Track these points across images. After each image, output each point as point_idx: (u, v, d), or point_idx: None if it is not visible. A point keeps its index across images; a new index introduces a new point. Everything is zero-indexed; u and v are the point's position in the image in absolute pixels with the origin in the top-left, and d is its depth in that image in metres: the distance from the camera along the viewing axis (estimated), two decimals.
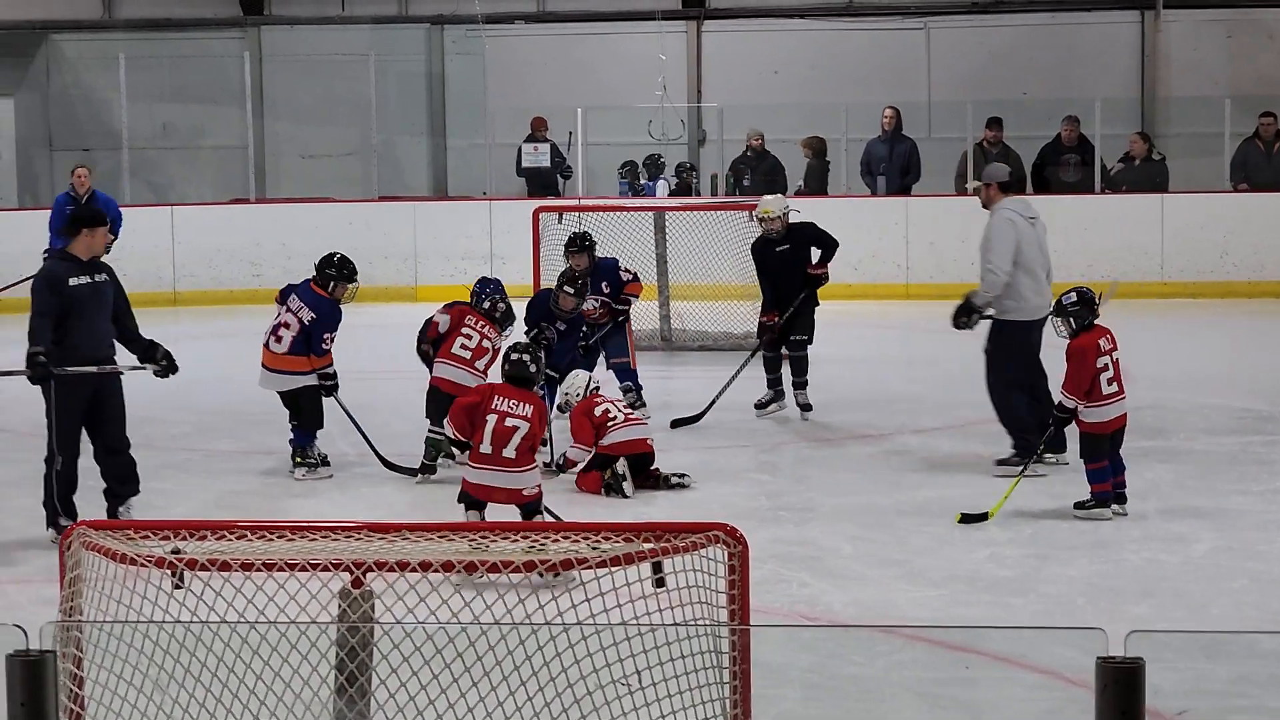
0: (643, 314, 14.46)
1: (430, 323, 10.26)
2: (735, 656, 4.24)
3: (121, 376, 8.60)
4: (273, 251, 18.73)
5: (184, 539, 4.31)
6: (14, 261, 16.71)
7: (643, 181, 20.19)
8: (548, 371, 10.61)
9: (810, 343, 11.69)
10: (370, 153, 20.90)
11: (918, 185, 19.43)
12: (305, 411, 10.09)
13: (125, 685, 4.19)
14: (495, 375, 9.45)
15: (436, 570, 4.07)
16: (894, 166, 19.28)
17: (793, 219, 11.77)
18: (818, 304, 11.75)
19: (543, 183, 20.46)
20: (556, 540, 4.36)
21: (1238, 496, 9.36)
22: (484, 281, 10.77)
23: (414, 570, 4.08)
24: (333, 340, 10.07)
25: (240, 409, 11.86)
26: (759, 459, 10.87)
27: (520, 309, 11.17)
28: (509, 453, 8.04)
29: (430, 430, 9.95)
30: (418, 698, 4.11)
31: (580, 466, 9.74)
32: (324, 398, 10.09)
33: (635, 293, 12.09)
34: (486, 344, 10.19)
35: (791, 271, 11.63)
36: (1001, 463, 9.82)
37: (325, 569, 4.11)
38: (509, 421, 8.09)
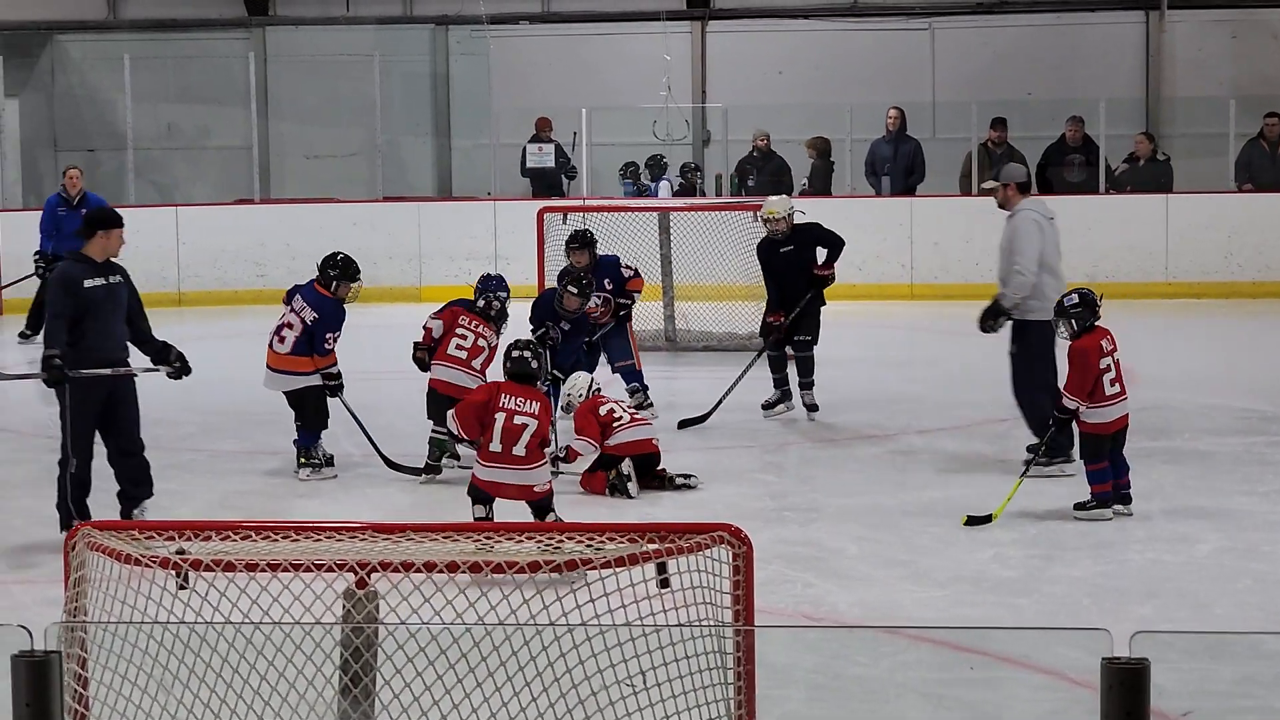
0: (647, 314, 14.46)
1: (424, 330, 10.28)
2: (740, 657, 4.24)
3: (135, 379, 8.57)
4: (277, 252, 18.74)
5: (189, 539, 4.31)
6: (19, 261, 16.76)
7: (645, 182, 20.18)
8: (554, 373, 10.63)
9: (815, 343, 11.68)
10: (375, 153, 20.90)
11: (922, 185, 19.43)
12: (309, 412, 10.10)
13: (130, 686, 4.19)
14: (494, 373, 9.46)
15: (441, 571, 4.07)
16: (898, 167, 19.27)
17: (797, 220, 11.76)
18: (824, 304, 11.75)
19: (547, 183, 20.46)
20: (561, 541, 4.36)
21: (1242, 497, 9.36)
22: (486, 279, 10.78)
23: (418, 571, 4.08)
24: (336, 340, 10.08)
25: (245, 409, 11.86)
26: (764, 459, 10.87)
27: (524, 309, 11.19)
28: (519, 450, 8.08)
29: (433, 431, 9.96)
30: (422, 698, 4.11)
31: (585, 463, 9.73)
32: (329, 398, 10.10)
33: (637, 289, 12.12)
34: (482, 343, 10.19)
35: (796, 272, 11.63)
36: (1030, 463, 9.71)
37: (330, 569, 4.11)
38: (517, 419, 8.12)
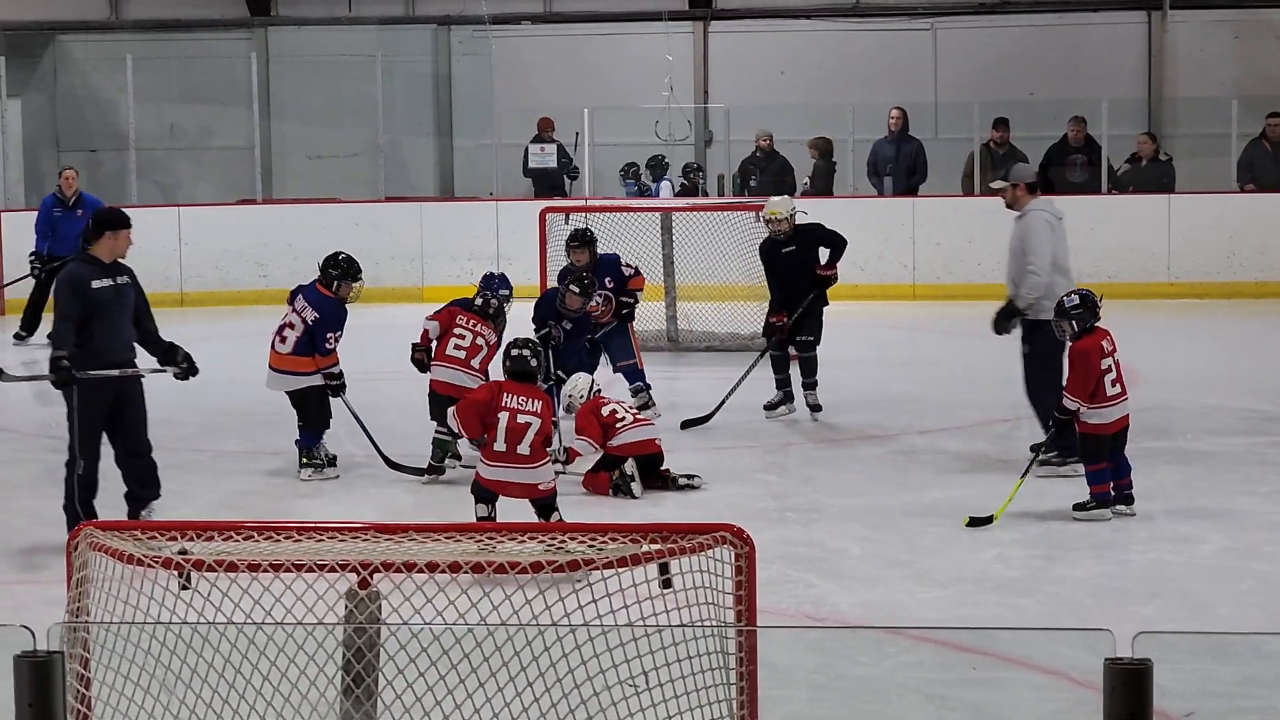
0: (649, 315, 14.46)
1: (422, 331, 10.29)
2: (742, 657, 4.24)
3: (142, 379, 8.53)
4: (280, 252, 18.74)
5: (191, 540, 4.32)
6: (20, 261, 16.74)
7: (647, 182, 20.18)
8: (557, 373, 10.63)
9: (818, 343, 11.68)
10: (377, 153, 20.90)
11: (924, 186, 19.42)
12: (311, 412, 10.10)
13: (132, 686, 4.19)
14: (495, 371, 9.46)
15: (443, 571, 4.07)
16: (900, 167, 19.27)
17: (799, 220, 11.76)
18: (827, 304, 11.74)
19: (549, 183, 20.46)
20: (563, 541, 4.35)
21: (1244, 497, 9.35)
22: (489, 278, 10.79)
23: (421, 571, 4.08)
24: (338, 340, 10.07)
25: (247, 409, 11.86)
26: (766, 459, 10.87)
27: (527, 309, 11.19)
28: (523, 449, 8.10)
29: (437, 432, 9.95)
30: (424, 699, 4.11)
31: (587, 464, 9.73)
32: (331, 398, 10.10)
33: (639, 287, 12.14)
34: (481, 342, 10.19)
35: (799, 273, 11.62)
36: (1044, 463, 9.71)
37: (332, 570, 4.11)
38: (520, 418, 8.14)
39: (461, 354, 10.14)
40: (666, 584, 4.22)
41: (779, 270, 11.71)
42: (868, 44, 21.87)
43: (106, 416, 8.36)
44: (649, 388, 11.95)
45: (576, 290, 11.01)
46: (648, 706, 4.22)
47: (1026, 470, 9.13)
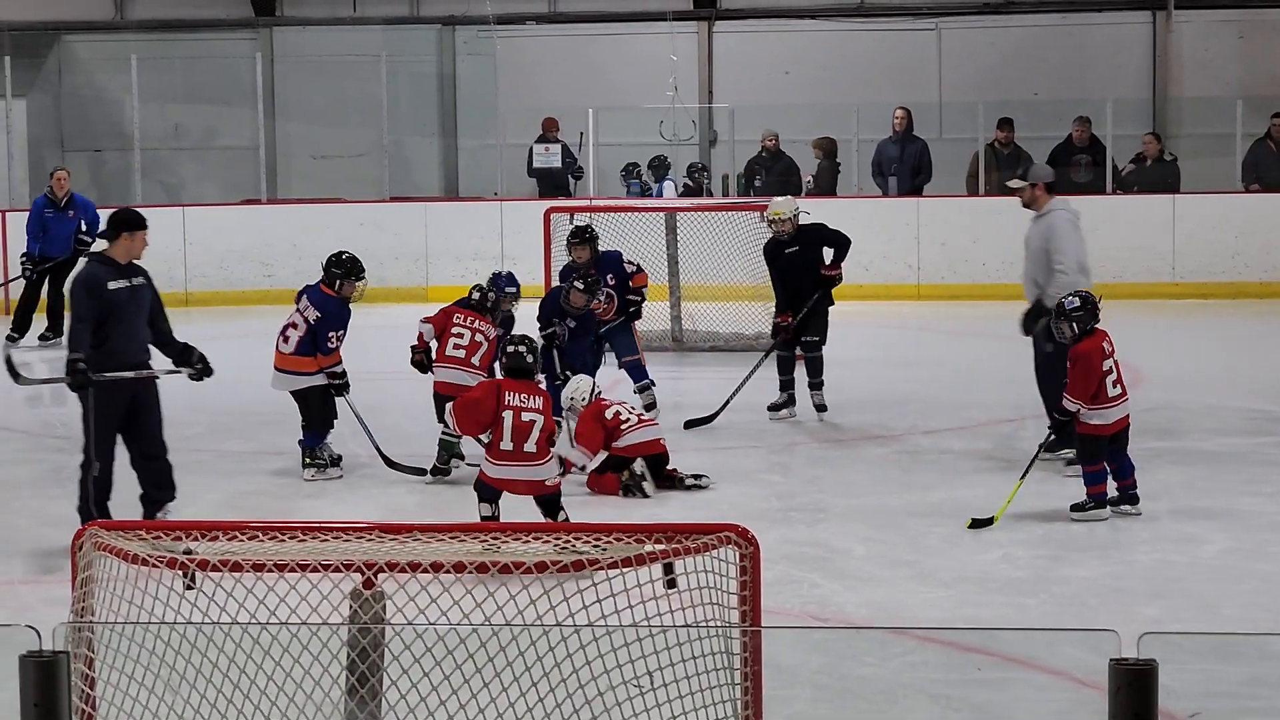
0: (654, 315, 14.47)
1: (417, 336, 10.29)
2: (746, 658, 4.23)
3: (157, 381, 8.49)
4: (284, 252, 18.74)
5: (195, 539, 4.32)
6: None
7: (649, 183, 20.17)
8: (565, 373, 10.63)
9: (824, 343, 11.68)
10: (381, 153, 20.89)
11: (929, 186, 19.42)
12: (313, 412, 10.10)
13: (137, 686, 4.19)
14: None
15: (448, 571, 4.07)
16: (905, 167, 19.26)
17: (802, 220, 11.75)
18: (832, 304, 11.74)
19: (554, 183, 20.46)
20: (568, 541, 4.35)
21: (1249, 497, 9.35)
22: (496, 277, 10.80)
23: (425, 571, 4.08)
24: (340, 339, 10.06)
25: (251, 410, 11.86)
26: (770, 460, 10.87)
27: (531, 309, 11.19)
28: (530, 447, 8.10)
29: (443, 433, 9.95)
30: (429, 699, 4.11)
31: (587, 468, 9.71)
32: (335, 397, 10.09)
33: (643, 284, 12.14)
34: (480, 338, 10.18)
35: (802, 273, 11.62)
36: (1070, 463, 9.70)
37: (336, 570, 4.11)
38: (525, 416, 8.13)
39: (461, 353, 10.13)
40: (671, 584, 4.22)
41: (783, 271, 11.70)
42: (872, 44, 21.86)
43: (122, 418, 8.30)
44: (653, 384, 11.95)
45: (581, 287, 11.01)
46: (652, 707, 4.22)
47: (1026, 471, 9.10)
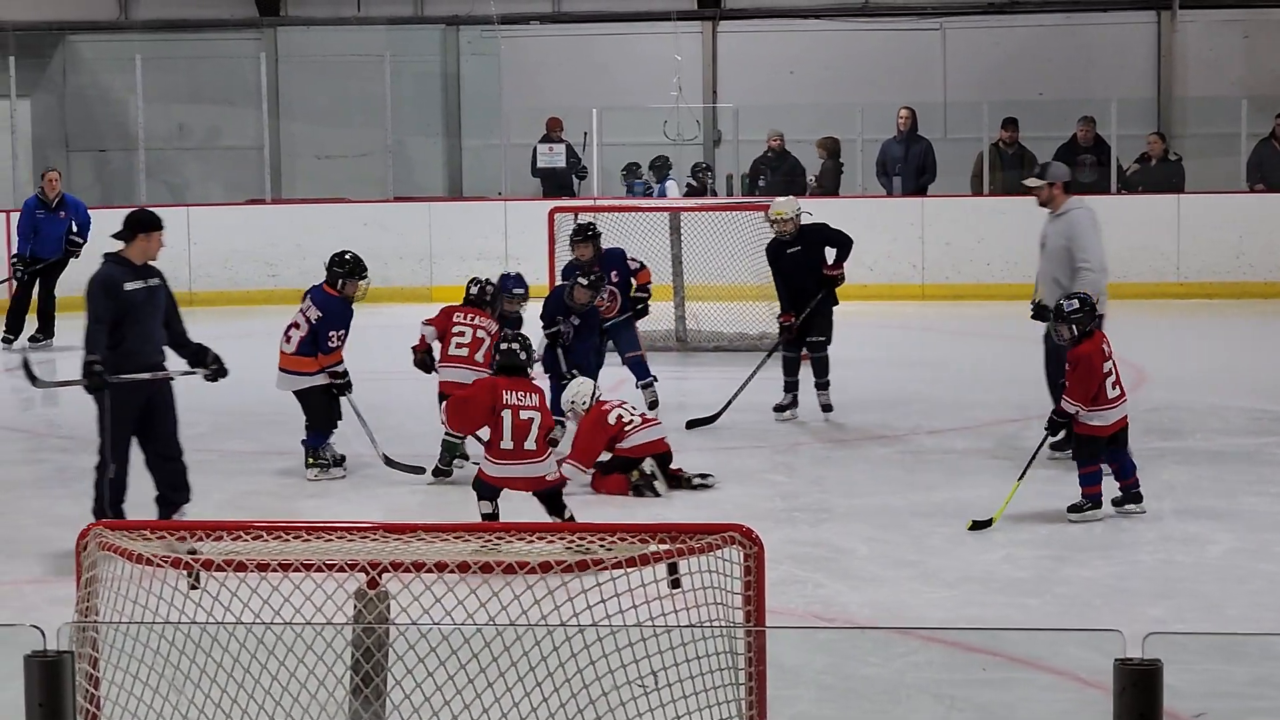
0: (658, 315, 14.46)
1: (419, 338, 10.30)
2: (750, 657, 4.23)
3: (172, 382, 8.44)
4: (288, 252, 18.75)
5: (199, 539, 4.32)
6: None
7: (651, 182, 20.17)
8: (571, 372, 10.63)
9: (829, 343, 11.68)
10: (385, 153, 20.90)
11: (933, 186, 19.41)
12: (315, 412, 10.10)
13: (141, 685, 4.19)
14: None
15: (452, 571, 4.07)
16: (909, 167, 19.26)
17: (804, 220, 11.75)
18: (836, 303, 11.74)
19: (558, 183, 20.46)
20: (572, 541, 4.35)
21: (1253, 498, 9.34)
22: (505, 277, 10.81)
23: (429, 571, 4.08)
24: (342, 339, 10.04)
25: (255, 410, 11.86)
26: (774, 460, 10.87)
27: (535, 309, 11.19)
28: (529, 445, 8.11)
29: (445, 434, 9.94)
30: (433, 698, 4.11)
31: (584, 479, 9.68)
32: (338, 396, 10.09)
33: (647, 280, 12.16)
34: (481, 334, 10.17)
35: (804, 273, 11.62)
36: (1054, 446, 9.69)
37: (341, 570, 4.11)
38: (523, 414, 8.15)
39: (464, 351, 10.14)
40: (675, 584, 4.22)
41: (785, 271, 11.71)
42: (876, 44, 21.85)
43: (137, 420, 8.26)
44: (655, 380, 11.96)
45: (585, 284, 11.01)
46: (656, 707, 4.22)
47: (1024, 471, 9.07)
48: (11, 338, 15.87)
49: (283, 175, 22.05)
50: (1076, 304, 8.92)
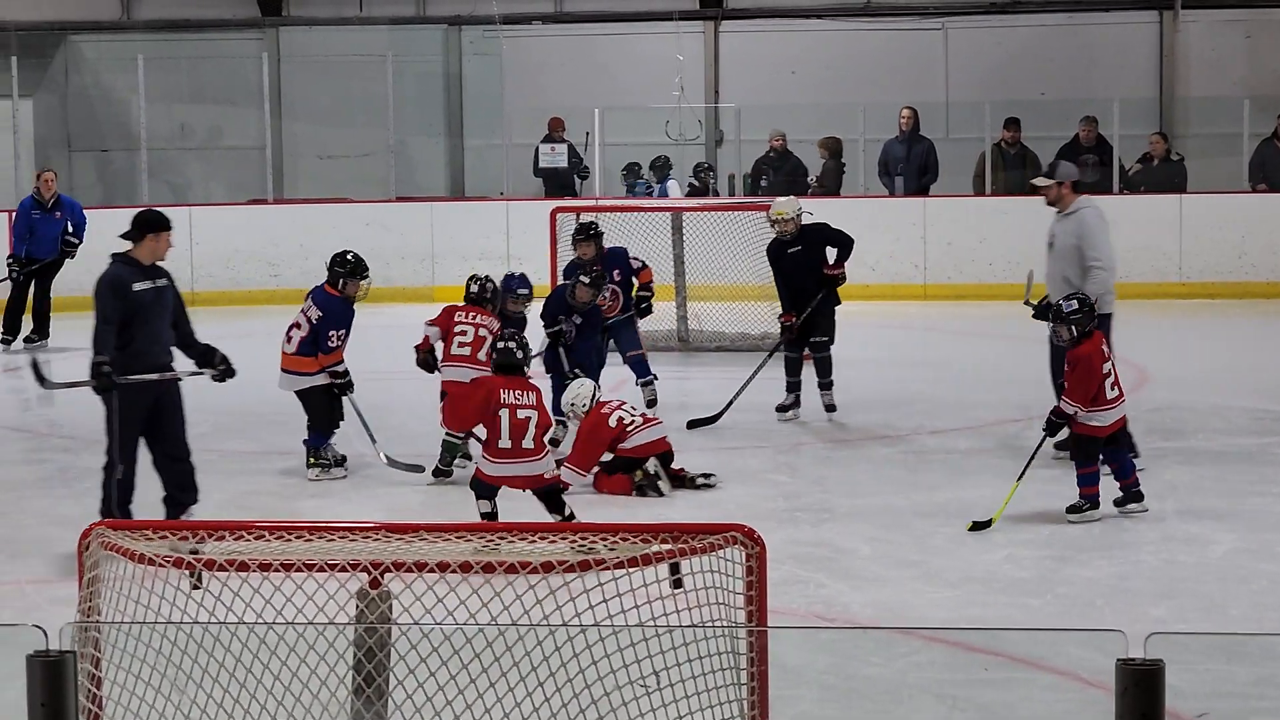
0: (659, 315, 14.47)
1: (423, 338, 10.30)
2: (753, 657, 4.23)
3: (180, 383, 8.42)
4: (290, 252, 18.76)
5: (201, 539, 4.32)
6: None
7: (651, 182, 20.17)
8: (575, 372, 10.64)
9: (832, 343, 11.67)
10: (387, 153, 20.92)
11: (935, 186, 19.41)
12: (316, 412, 10.10)
13: (143, 685, 4.19)
14: None
15: (454, 570, 4.07)
16: (911, 167, 19.26)
17: (806, 220, 11.75)
18: (839, 303, 11.74)
19: (560, 183, 20.47)
20: (575, 540, 4.35)
21: (1256, 498, 9.34)
22: (509, 278, 10.80)
23: (431, 571, 4.08)
24: (342, 339, 10.04)
25: (256, 410, 11.86)
26: (776, 460, 10.86)
27: (537, 308, 11.19)
28: (528, 444, 8.12)
29: (446, 434, 9.95)
30: (435, 698, 4.11)
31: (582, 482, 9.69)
32: (339, 396, 10.09)
33: (649, 279, 12.17)
34: (483, 332, 10.17)
35: (805, 273, 11.62)
36: (1057, 446, 9.70)
37: (343, 569, 4.11)
38: (521, 414, 8.16)
39: (467, 350, 10.14)
40: (677, 584, 4.22)
41: (786, 271, 11.71)
42: (878, 44, 21.85)
43: (145, 421, 8.24)
44: (656, 378, 11.96)
45: (586, 282, 11.01)
46: (658, 707, 4.22)
47: (1023, 471, 9.05)
48: (10, 338, 15.85)
49: (285, 175, 22.06)
50: (1076, 305, 8.91)
